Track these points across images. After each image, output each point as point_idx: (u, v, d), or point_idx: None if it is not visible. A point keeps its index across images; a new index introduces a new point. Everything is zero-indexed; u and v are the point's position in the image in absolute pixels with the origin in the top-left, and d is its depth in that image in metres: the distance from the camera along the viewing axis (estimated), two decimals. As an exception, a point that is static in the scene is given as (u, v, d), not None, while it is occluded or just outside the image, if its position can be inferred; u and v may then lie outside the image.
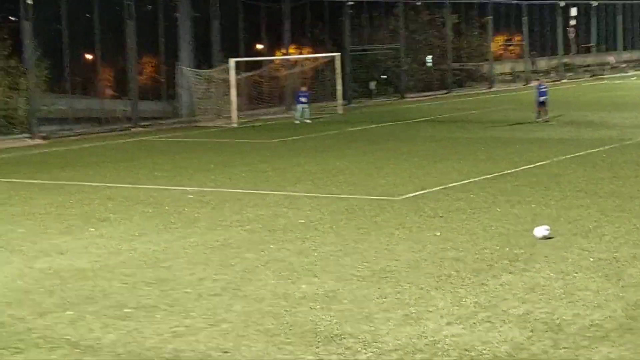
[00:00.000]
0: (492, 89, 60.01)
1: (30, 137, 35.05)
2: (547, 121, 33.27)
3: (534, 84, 36.83)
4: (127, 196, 18.84)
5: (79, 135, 36.64)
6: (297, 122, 36.84)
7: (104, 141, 33.44)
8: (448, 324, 9.36)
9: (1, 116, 37.36)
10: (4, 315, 10.22)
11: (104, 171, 23.55)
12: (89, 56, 43.54)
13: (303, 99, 37.60)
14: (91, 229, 15.28)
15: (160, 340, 9.14)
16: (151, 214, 16.62)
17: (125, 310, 10.27)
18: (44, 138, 35.31)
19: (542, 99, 34.07)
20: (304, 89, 38.84)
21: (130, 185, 20.48)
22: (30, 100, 35.87)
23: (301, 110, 37.17)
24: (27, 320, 9.99)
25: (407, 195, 17.68)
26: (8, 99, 38.00)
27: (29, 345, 9.12)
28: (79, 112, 42.77)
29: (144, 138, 34.05)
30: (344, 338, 9.01)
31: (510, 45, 69.75)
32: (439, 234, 13.92)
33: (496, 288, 10.69)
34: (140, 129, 37.84)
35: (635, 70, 78.19)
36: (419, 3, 54.80)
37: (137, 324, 9.70)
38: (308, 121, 36.80)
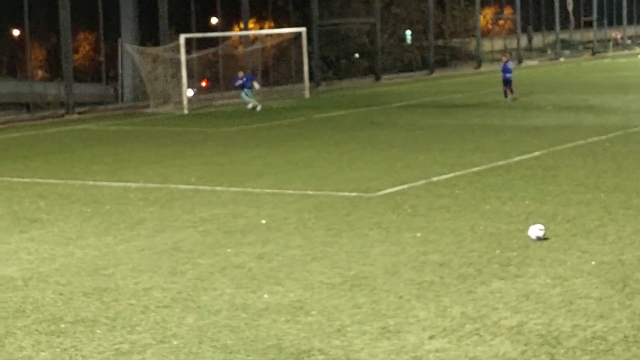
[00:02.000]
0: (480, 69, 60.33)
1: (-53, 126, 34.76)
2: (515, 99, 36.07)
3: (503, 60, 38.96)
4: (62, 193, 18.76)
5: (5, 123, 36.44)
6: (250, 106, 37.02)
7: (34, 130, 33.27)
8: (431, 337, 9.42)
9: None
10: None
11: (35, 165, 23.43)
12: (16, 32, 43.23)
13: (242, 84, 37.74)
14: (21, 232, 15.20)
15: (101, 359, 9.12)
16: (90, 214, 16.57)
17: (61, 324, 10.23)
18: (-37, 127, 35.05)
19: (508, 76, 36.64)
20: (241, 74, 38.51)
21: (65, 181, 20.40)
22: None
23: (245, 93, 37.58)
24: (-53, 338, 9.93)
25: (383, 191, 17.75)
26: None
27: (-51, 366, 9.08)
28: (5, 97, 42.50)
29: (80, 126, 33.89)
30: (313, 355, 9.05)
31: (500, 19, 70.13)
32: (420, 235, 13.99)
33: (485, 296, 10.76)
34: (76, 115, 37.68)
35: (642, 48, 78.88)
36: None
37: (74, 341, 9.68)
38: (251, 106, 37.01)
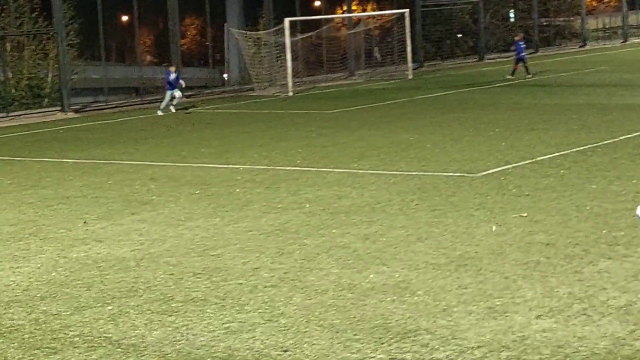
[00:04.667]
0: (585, 48, 59.30)
1: (61, 111, 35.57)
2: (533, 75, 39.32)
3: (516, 39, 41.44)
4: (172, 176, 19.03)
5: (115, 107, 37.11)
6: (173, 110, 33.49)
7: (143, 114, 33.78)
8: (538, 317, 9.32)
9: (28, 87, 37.89)
10: (37, 311, 10.42)
11: (145, 148, 23.81)
12: (125, 18, 43.94)
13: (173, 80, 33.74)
14: (132, 214, 15.48)
15: (211, 338, 9.24)
16: (198, 195, 16.77)
17: (172, 304, 10.39)
18: (76, 111, 35.81)
19: (522, 55, 39.83)
20: (172, 68, 34.32)
21: (174, 164, 20.69)
22: (60, 69, 36.30)
23: (169, 96, 33.55)
24: (63, 317, 10.16)
25: (487, 172, 17.59)
26: (35, 67, 38.48)
27: (65, 344, 9.29)
28: (115, 82, 43.27)
29: (188, 110, 34.28)
30: (419, 334, 9.03)
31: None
32: (525, 215, 13.84)
33: (593, 276, 10.61)
34: (185, 99, 38.15)
35: None
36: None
37: (185, 320, 9.81)
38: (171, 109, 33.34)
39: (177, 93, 33.34)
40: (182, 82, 33.97)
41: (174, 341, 9.19)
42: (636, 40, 64.91)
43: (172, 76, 33.45)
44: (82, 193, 17.58)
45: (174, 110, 33.13)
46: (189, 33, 46.16)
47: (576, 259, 11.35)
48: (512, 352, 8.46)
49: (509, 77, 39.24)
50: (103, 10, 38.05)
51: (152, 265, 12.11)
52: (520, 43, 40.26)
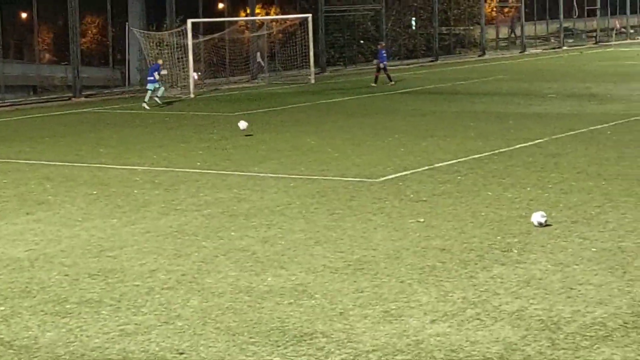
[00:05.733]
0: (484, 57, 60.23)
1: (-46, 108, 34.75)
2: (393, 83, 40.07)
3: (380, 47, 42.75)
4: (68, 176, 18.78)
5: (12, 105, 36.43)
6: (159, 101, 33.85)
7: (41, 113, 33.26)
8: (432, 321, 9.43)
9: None
10: None
11: (42, 147, 23.45)
12: (24, 15, 43.20)
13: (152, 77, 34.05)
14: (27, 213, 15.22)
15: (106, 340, 9.14)
16: (95, 196, 16.58)
17: (67, 305, 10.25)
18: (-30, 109, 35.04)
19: (383, 64, 40.81)
20: (160, 62, 35.33)
21: (71, 164, 20.41)
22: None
23: (152, 89, 33.85)
24: (-46, 317, 9.95)
25: (386, 177, 17.74)
26: None
27: (-45, 345, 9.10)
28: (12, 79, 42.46)
29: (87, 109, 33.88)
30: (315, 337, 9.06)
31: (505, 7, 69.97)
32: (422, 220, 13.99)
33: (487, 281, 10.77)
34: (83, 99, 37.67)
35: (646, 37, 78.67)
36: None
37: (79, 321, 9.69)
38: (145, 105, 33.27)
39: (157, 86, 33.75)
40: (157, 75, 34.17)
41: (68, 343, 9.07)
42: (534, 50, 66.14)
43: (164, 71, 34.78)
44: (-24, 192, 17.23)
45: (160, 103, 33.59)
46: (89, 32, 45.54)
47: (471, 264, 11.52)
48: (407, 355, 8.55)
49: (373, 85, 40.19)
50: (1, 6, 37.37)
51: (47, 265, 11.94)
52: (383, 51, 41.49)
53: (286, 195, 16.13)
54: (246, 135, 24.02)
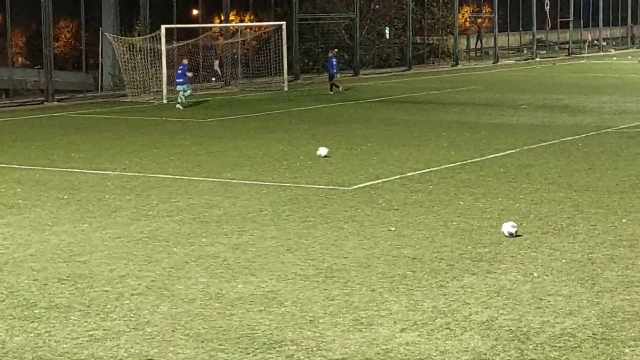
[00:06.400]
0: (457, 67, 60.45)
1: None
2: (341, 92, 40.00)
3: (330, 55, 43.01)
4: (39, 180, 18.67)
5: (-16, 108, 36.17)
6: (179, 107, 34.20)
7: (13, 116, 33.06)
8: (402, 330, 9.44)
9: None
10: None
11: (13, 151, 23.30)
12: (-4, 18, 42.97)
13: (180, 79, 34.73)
14: (-3, 217, 15.13)
15: (74, 345, 9.09)
16: (66, 200, 16.49)
17: (35, 310, 10.19)
18: (-58, 111, 34.79)
19: (334, 72, 41.20)
20: (185, 62, 35.97)
21: (42, 168, 20.30)
22: None
23: (182, 90, 34.57)
24: None
25: (358, 185, 17.76)
26: None
27: None
28: (-16, 82, 42.24)
29: (59, 113, 33.72)
30: (285, 345, 9.05)
31: (479, 17, 70.27)
32: (393, 229, 14.01)
33: (457, 291, 10.79)
34: (56, 103, 37.49)
35: (617, 50, 79.23)
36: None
37: (48, 326, 9.64)
38: (179, 106, 34.07)
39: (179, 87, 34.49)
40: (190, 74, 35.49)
41: (36, 347, 9.02)
42: (507, 61, 66.44)
43: (190, 73, 35.41)
44: (-55, 195, 17.10)
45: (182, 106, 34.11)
46: (63, 36, 45.35)
47: (441, 273, 11.54)
48: (376, 364, 8.55)
49: (331, 93, 40.26)
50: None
51: (16, 270, 11.86)
52: (333, 60, 41.73)
53: (258, 202, 16.11)
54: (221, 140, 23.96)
